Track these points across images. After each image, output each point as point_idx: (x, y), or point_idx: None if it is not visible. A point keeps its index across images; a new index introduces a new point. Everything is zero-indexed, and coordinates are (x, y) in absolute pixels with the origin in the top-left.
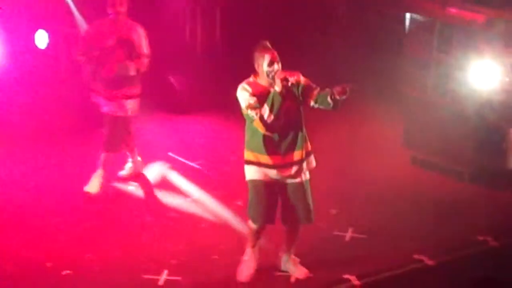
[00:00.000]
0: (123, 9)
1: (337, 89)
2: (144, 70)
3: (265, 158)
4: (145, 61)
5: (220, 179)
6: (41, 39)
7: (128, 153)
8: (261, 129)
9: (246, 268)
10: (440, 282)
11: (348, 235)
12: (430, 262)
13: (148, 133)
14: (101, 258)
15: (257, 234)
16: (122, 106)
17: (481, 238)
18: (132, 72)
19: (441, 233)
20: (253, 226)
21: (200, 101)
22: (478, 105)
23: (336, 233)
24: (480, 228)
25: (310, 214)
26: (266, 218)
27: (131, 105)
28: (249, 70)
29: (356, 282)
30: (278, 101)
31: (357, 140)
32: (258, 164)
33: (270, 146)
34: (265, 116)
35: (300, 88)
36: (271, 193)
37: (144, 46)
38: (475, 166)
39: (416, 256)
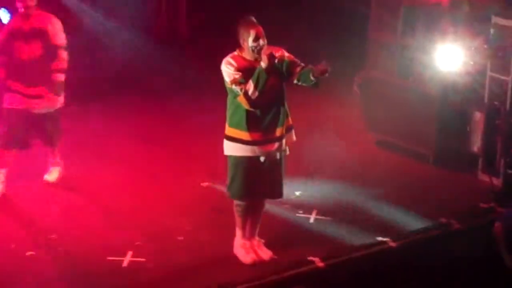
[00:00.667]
0: (32, 2)
1: (318, 67)
2: (65, 64)
3: (247, 135)
4: (64, 54)
5: None
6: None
7: (49, 153)
8: (245, 105)
9: (246, 250)
10: (403, 264)
11: (312, 217)
12: (393, 244)
13: None
14: (66, 239)
15: (247, 211)
16: (43, 103)
17: (444, 220)
18: (62, 78)
19: (404, 215)
20: (241, 203)
21: None
22: (442, 88)
23: (300, 215)
24: (443, 210)
25: (282, 189)
26: (253, 192)
27: (51, 102)
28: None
29: (320, 263)
30: (263, 77)
31: (322, 122)
32: (241, 141)
33: (252, 122)
34: (250, 92)
35: (284, 65)
36: (253, 168)
37: (59, 36)
38: (439, 148)
39: (379, 238)
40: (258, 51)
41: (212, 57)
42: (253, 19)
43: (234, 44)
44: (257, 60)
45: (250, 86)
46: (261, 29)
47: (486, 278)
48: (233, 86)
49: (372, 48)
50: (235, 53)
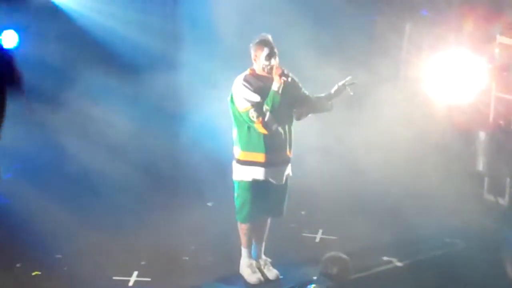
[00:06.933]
0: None
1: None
2: None
3: (262, 157)
4: None
5: None
6: (10, 38)
7: None
8: (262, 130)
9: (252, 270)
10: (409, 283)
11: (318, 236)
12: (399, 264)
13: None
14: (71, 259)
15: (252, 230)
16: None
17: (449, 240)
18: None
19: (410, 235)
20: (246, 225)
21: None
22: (447, 107)
23: (306, 234)
24: (449, 230)
25: (284, 208)
26: (259, 213)
27: None
28: None
29: None
30: (277, 99)
31: (328, 141)
32: (256, 163)
33: (269, 144)
34: (266, 118)
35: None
36: (263, 190)
37: None
38: (444, 169)
39: (386, 258)
40: (269, 70)
41: None
42: (269, 37)
43: None
44: (270, 76)
45: (266, 112)
46: (274, 48)
47: None
48: (250, 113)
49: (376, 66)
50: (247, 72)
